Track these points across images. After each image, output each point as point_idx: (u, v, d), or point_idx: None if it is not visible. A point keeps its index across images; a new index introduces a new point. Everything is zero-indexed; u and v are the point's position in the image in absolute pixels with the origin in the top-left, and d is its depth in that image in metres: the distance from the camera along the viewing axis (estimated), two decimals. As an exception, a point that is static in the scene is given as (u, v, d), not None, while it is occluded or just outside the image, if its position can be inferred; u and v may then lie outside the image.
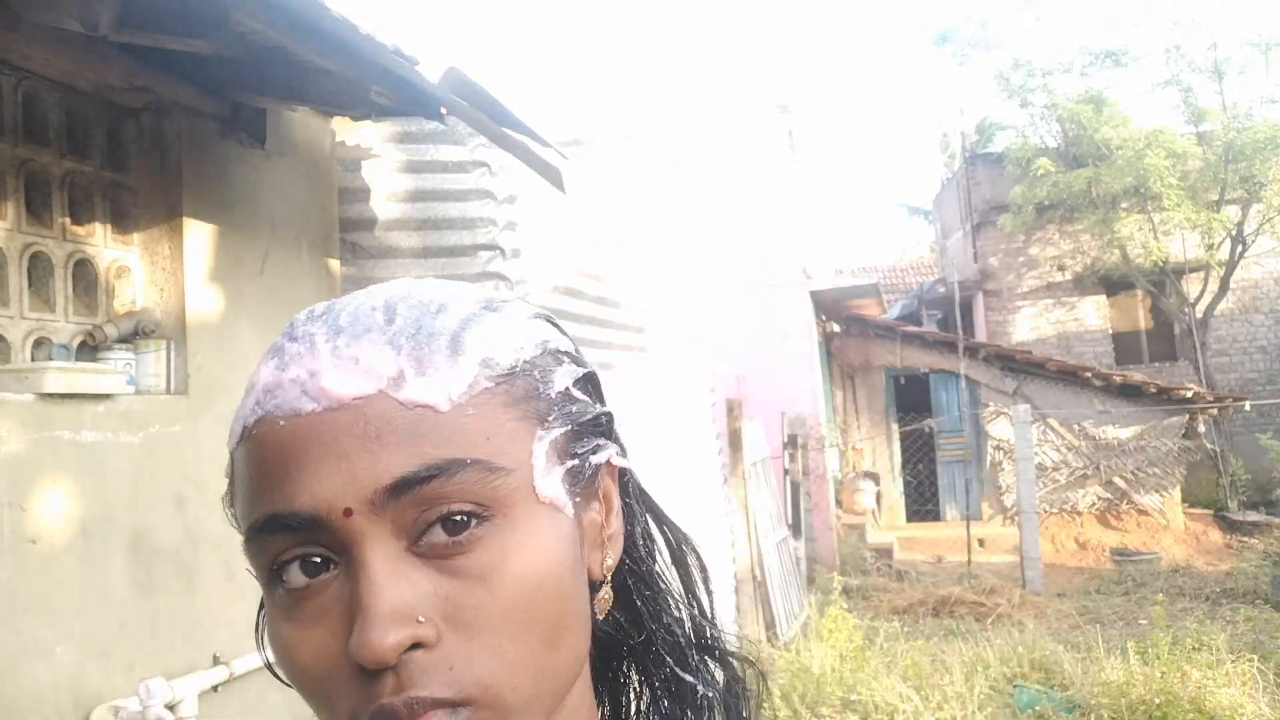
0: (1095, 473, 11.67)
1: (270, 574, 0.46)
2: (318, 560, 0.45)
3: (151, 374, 2.64)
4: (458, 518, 0.45)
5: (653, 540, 0.61)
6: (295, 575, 0.45)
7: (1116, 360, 13.92)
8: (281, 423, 0.45)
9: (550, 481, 0.48)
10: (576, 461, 0.51)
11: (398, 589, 0.43)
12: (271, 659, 0.48)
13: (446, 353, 0.47)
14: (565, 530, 0.49)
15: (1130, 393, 11.55)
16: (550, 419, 0.49)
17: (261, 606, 0.56)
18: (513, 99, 2.84)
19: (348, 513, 0.44)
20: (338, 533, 0.44)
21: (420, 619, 0.43)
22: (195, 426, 2.69)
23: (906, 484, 12.99)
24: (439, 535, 0.45)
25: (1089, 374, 11.65)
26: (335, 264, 3.41)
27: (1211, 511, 11.75)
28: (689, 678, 0.59)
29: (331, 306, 0.50)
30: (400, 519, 0.44)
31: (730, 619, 6.18)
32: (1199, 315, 12.72)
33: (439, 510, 0.45)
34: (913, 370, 12.75)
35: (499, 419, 0.47)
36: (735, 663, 0.62)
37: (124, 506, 2.43)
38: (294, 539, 0.45)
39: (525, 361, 0.50)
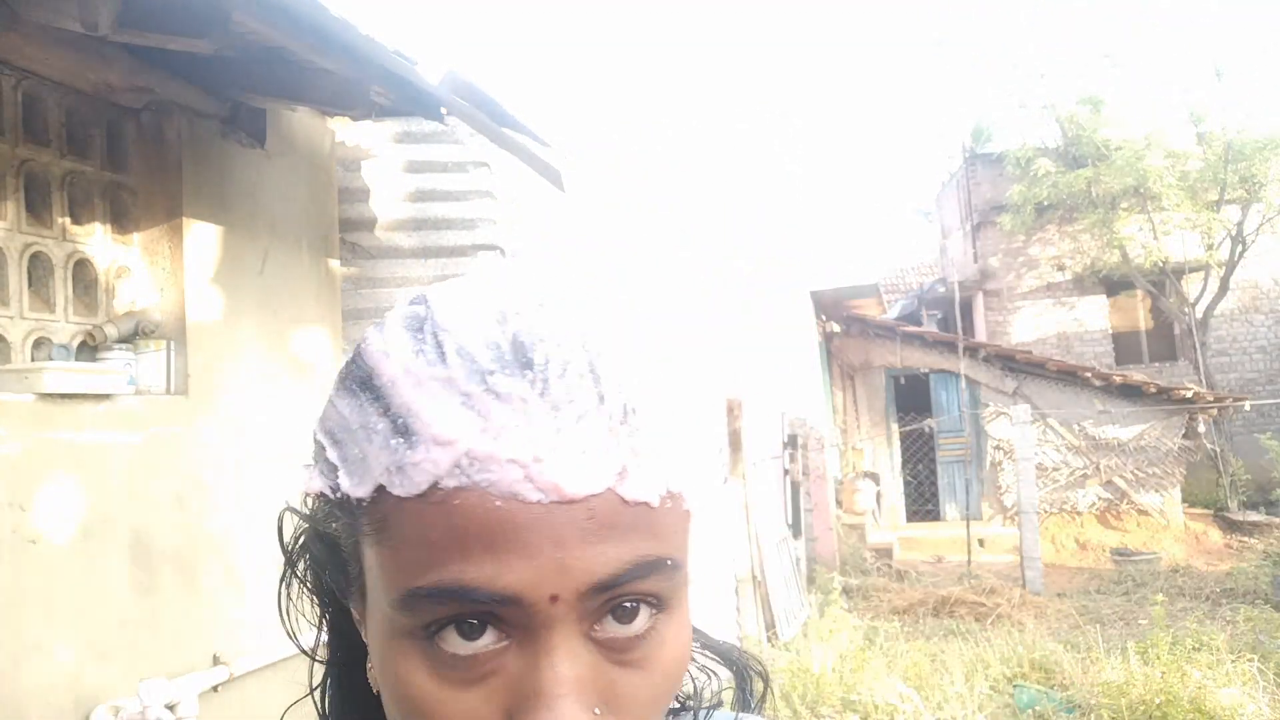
0: (1095, 473, 11.67)
1: (424, 629, 0.44)
2: (474, 622, 0.44)
3: (151, 374, 2.64)
4: (628, 604, 0.45)
5: None
6: (458, 642, 0.44)
7: (1116, 360, 13.92)
8: (498, 504, 0.42)
9: (689, 564, 0.49)
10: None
11: (579, 677, 0.44)
12: (392, 692, 0.46)
13: (654, 440, 0.46)
14: (687, 607, 0.50)
15: (1130, 393, 11.55)
16: (692, 498, 0.49)
17: (284, 579, 0.58)
18: (512, 99, 2.84)
19: (553, 599, 0.43)
20: (535, 616, 0.43)
21: (596, 710, 0.44)
22: (195, 426, 2.69)
23: (906, 484, 12.99)
24: (614, 626, 0.45)
25: (1089, 374, 11.65)
26: (335, 264, 3.41)
27: (1211, 511, 11.75)
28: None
29: (519, 344, 0.45)
30: (589, 605, 0.44)
31: (730, 619, 6.18)
32: (1199, 315, 12.72)
33: (620, 601, 0.45)
34: (913, 370, 12.75)
35: (679, 508, 0.47)
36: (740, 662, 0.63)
37: (124, 507, 2.43)
38: (469, 608, 0.43)
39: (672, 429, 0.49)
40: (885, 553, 10.74)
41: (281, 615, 0.57)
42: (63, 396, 2.26)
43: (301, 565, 0.58)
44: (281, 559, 0.60)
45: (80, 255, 2.61)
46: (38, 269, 2.50)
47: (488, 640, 0.44)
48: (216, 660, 2.65)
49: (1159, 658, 5.01)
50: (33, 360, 2.42)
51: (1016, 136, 14.41)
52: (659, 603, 0.46)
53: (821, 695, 4.99)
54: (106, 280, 2.68)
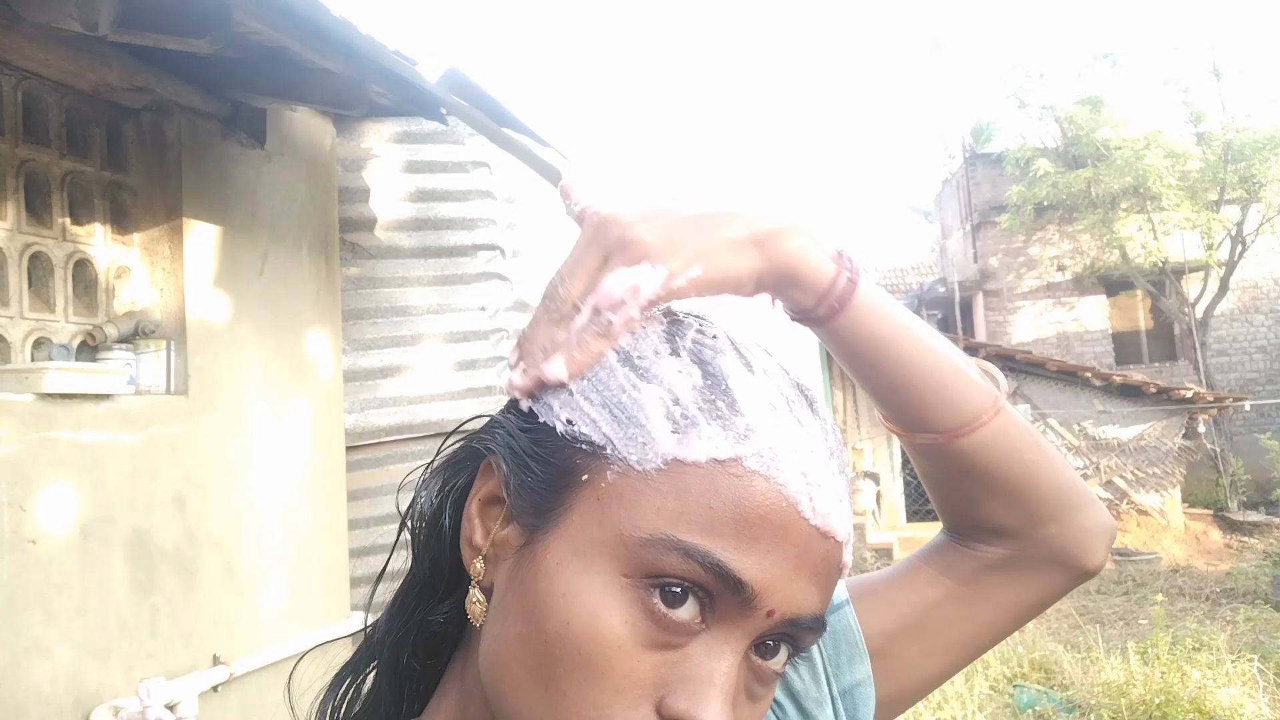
0: (1095, 473, 11.67)
1: (647, 579, 0.46)
2: (677, 591, 0.46)
3: (151, 374, 2.64)
4: (771, 641, 0.49)
5: None
6: (688, 609, 0.46)
7: (1116, 360, 13.92)
8: (784, 504, 0.46)
9: None
10: None
11: (736, 686, 0.47)
12: (553, 623, 0.46)
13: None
14: None
15: (1130, 393, 11.55)
16: None
17: (435, 478, 0.56)
18: (512, 99, 2.85)
19: (770, 613, 0.46)
20: (746, 617, 0.46)
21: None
22: (195, 426, 2.69)
23: (906, 484, 12.98)
24: (760, 657, 0.49)
25: (1089, 374, 11.65)
26: (335, 264, 3.41)
27: (1211, 511, 11.75)
28: None
29: (799, 384, 0.52)
30: (772, 630, 0.48)
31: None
32: (1199, 315, 12.73)
33: (784, 641, 0.49)
34: (913, 370, 12.73)
35: None
36: None
37: (124, 506, 2.43)
38: (704, 579, 0.45)
39: None
40: (885, 553, 10.74)
41: (412, 528, 0.57)
42: (63, 396, 2.26)
43: (444, 484, 0.57)
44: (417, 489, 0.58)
45: (80, 255, 2.61)
46: (38, 269, 2.50)
47: (688, 614, 0.46)
48: (216, 660, 2.65)
49: (1159, 658, 5.01)
50: (33, 360, 2.42)
51: (1016, 136, 14.41)
52: (797, 654, 0.50)
53: (821, 695, 4.98)
54: (106, 280, 2.68)
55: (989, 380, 0.62)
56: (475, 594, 0.51)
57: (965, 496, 0.65)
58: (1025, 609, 0.68)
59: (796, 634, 0.49)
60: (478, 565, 0.51)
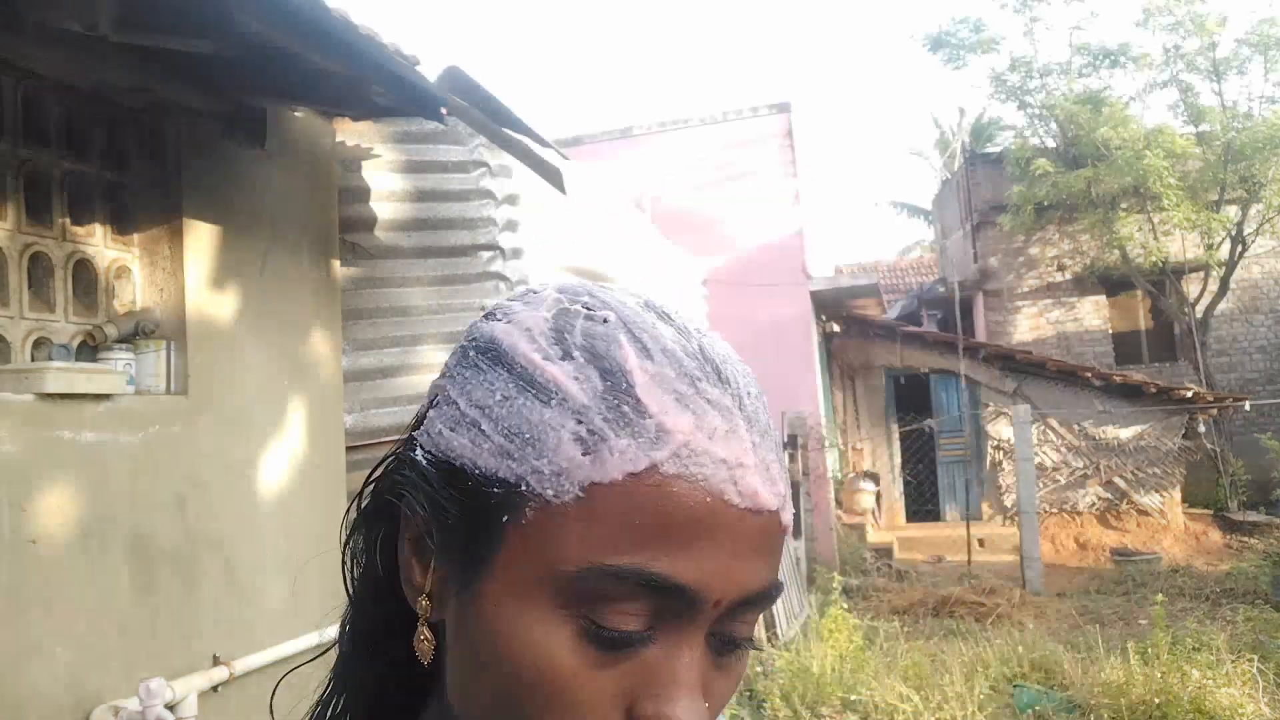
0: (1095, 473, 11.66)
1: (585, 605, 0.45)
2: (627, 607, 0.45)
3: (151, 374, 2.64)
4: (745, 627, 0.49)
5: None
6: (631, 624, 0.45)
7: (1116, 360, 13.91)
8: (707, 499, 0.45)
9: None
10: None
11: (702, 674, 0.47)
12: (508, 661, 0.46)
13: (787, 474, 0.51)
14: None
15: (1130, 393, 11.54)
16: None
17: (358, 530, 0.56)
18: (512, 99, 2.84)
19: (716, 604, 0.46)
20: (694, 614, 0.46)
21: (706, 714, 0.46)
22: (195, 426, 2.69)
23: (906, 484, 12.99)
24: (734, 627, 0.48)
25: (1089, 374, 11.64)
26: (335, 264, 3.40)
27: (1211, 511, 11.74)
28: None
29: (709, 358, 0.48)
30: (718, 617, 0.47)
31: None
32: (1199, 315, 12.72)
33: (744, 614, 0.48)
34: (913, 370, 12.75)
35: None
36: None
37: (124, 507, 2.43)
38: (643, 596, 0.45)
39: None
40: (885, 553, 10.74)
41: (347, 573, 0.58)
42: (63, 396, 2.26)
43: (369, 531, 0.57)
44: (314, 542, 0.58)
45: (80, 255, 2.61)
46: (38, 269, 2.50)
47: (634, 627, 0.45)
48: (216, 660, 2.65)
49: (1159, 658, 5.01)
50: (33, 360, 2.42)
51: (1016, 136, 14.40)
52: (760, 613, 0.50)
53: (821, 695, 4.99)
54: (106, 280, 2.68)
55: None
56: (423, 632, 0.51)
57: None
58: None
59: (754, 606, 0.49)
60: (423, 603, 0.50)
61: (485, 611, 0.47)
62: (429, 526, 0.50)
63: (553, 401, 0.46)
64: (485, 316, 0.53)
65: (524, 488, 0.46)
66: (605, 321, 0.49)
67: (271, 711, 0.61)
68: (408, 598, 0.52)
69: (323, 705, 0.59)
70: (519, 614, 0.45)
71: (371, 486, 0.56)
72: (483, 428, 0.47)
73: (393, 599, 0.54)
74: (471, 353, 0.51)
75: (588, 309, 0.50)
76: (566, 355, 0.47)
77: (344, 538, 0.57)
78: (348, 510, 0.57)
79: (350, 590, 0.58)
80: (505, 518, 0.46)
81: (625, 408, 0.45)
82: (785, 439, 9.04)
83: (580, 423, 0.45)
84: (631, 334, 0.48)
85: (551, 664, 0.45)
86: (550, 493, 0.45)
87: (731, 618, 0.48)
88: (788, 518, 0.49)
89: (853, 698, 4.90)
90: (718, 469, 0.45)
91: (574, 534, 0.45)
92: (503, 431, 0.47)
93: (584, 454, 0.45)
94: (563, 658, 0.45)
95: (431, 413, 0.52)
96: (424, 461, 0.50)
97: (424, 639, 0.50)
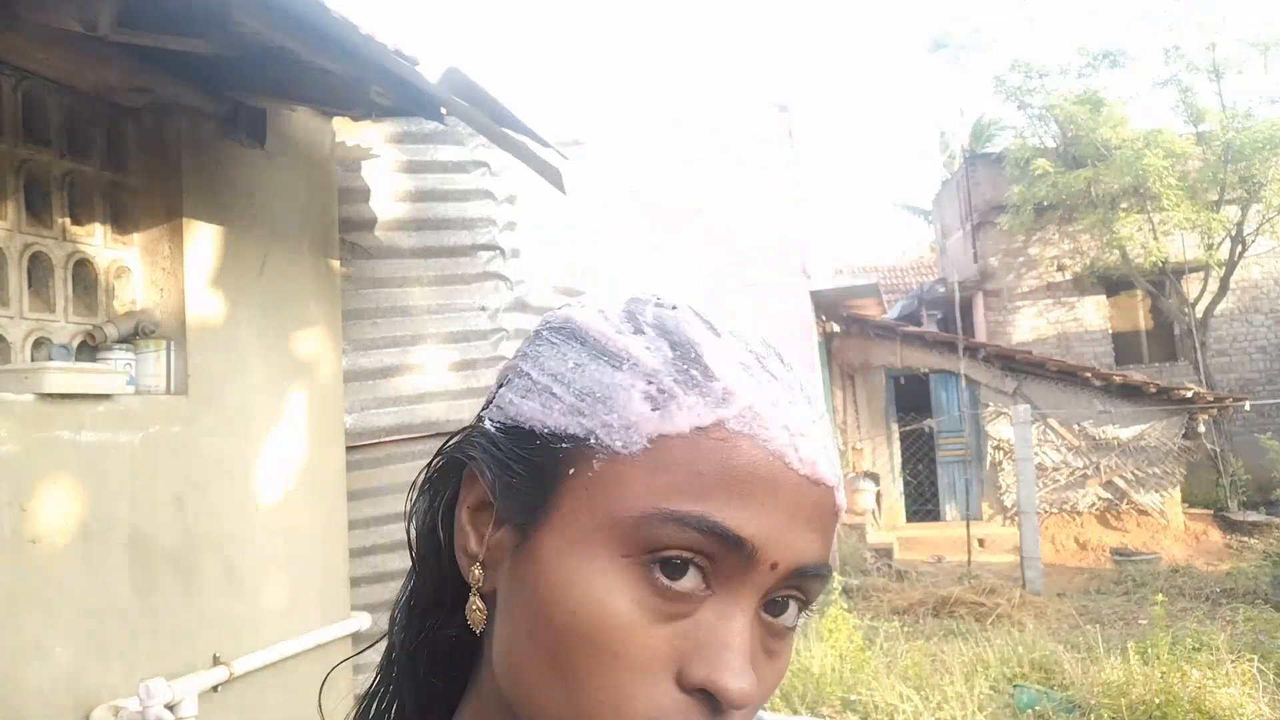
0: (1095, 473, 11.66)
1: (646, 555, 0.46)
2: (678, 562, 0.46)
3: (151, 374, 2.64)
4: (781, 598, 0.50)
5: None
6: (690, 579, 0.46)
7: (1116, 360, 13.91)
8: (771, 458, 0.47)
9: None
10: None
11: (752, 653, 0.47)
12: (562, 612, 0.46)
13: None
14: None
15: (1130, 393, 11.54)
16: None
17: (424, 493, 0.56)
18: (512, 99, 2.84)
19: (774, 565, 0.47)
20: (750, 574, 0.47)
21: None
22: (195, 426, 2.69)
23: (906, 484, 12.98)
24: (790, 614, 0.50)
25: (1089, 374, 11.64)
26: (335, 264, 3.41)
27: (1211, 511, 11.74)
28: None
29: (766, 342, 0.52)
30: (779, 584, 0.48)
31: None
32: (1199, 315, 12.72)
33: (794, 593, 0.50)
34: (913, 370, 12.74)
35: None
36: None
37: (124, 507, 2.43)
38: (704, 545, 0.46)
39: None
40: (885, 553, 10.73)
41: (409, 536, 0.58)
42: (63, 396, 2.26)
43: (434, 497, 0.57)
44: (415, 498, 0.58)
45: (80, 255, 2.61)
46: (38, 269, 2.50)
47: (692, 583, 0.46)
48: (216, 660, 2.65)
49: (1159, 658, 5.01)
50: (33, 360, 2.42)
51: (1016, 136, 14.40)
52: (806, 606, 0.51)
53: (821, 695, 4.99)
54: (106, 280, 2.68)
55: None
56: (475, 602, 0.51)
57: None
58: None
59: (803, 585, 0.49)
60: (476, 572, 0.51)
61: (545, 562, 0.47)
62: (493, 490, 0.51)
63: (624, 366, 0.49)
64: (559, 309, 0.56)
65: (592, 440, 0.48)
66: (674, 308, 0.52)
67: (320, 708, 0.61)
68: (461, 568, 0.53)
69: (370, 698, 0.59)
70: (580, 565, 0.46)
71: (441, 456, 0.57)
72: (554, 391, 0.50)
73: (449, 567, 0.55)
74: (545, 332, 0.54)
75: (658, 299, 0.53)
76: (638, 330, 0.50)
77: (410, 501, 0.58)
78: (418, 477, 0.58)
79: (413, 553, 0.58)
80: (571, 470, 0.48)
81: (694, 371, 0.48)
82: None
83: (650, 383, 0.48)
84: (699, 316, 0.51)
85: (608, 611, 0.45)
86: (619, 444, 0.47)
87: (783, 591, 0.49)
88: (843, 500, 0.51)
89: (853, 698, 4.90)
90: (780, 433, 0.48)
91: (639, 483, 0.46)
92: (574, 393, 0.49)
93: (653, 409, 0.47)
94: (621, 607, 0.45)
95: (502, 389, 0.54)
96: (493, 429, 0.52)
97: (476, 608, 0.51)
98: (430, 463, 0.57)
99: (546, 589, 0.47)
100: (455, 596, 0.55)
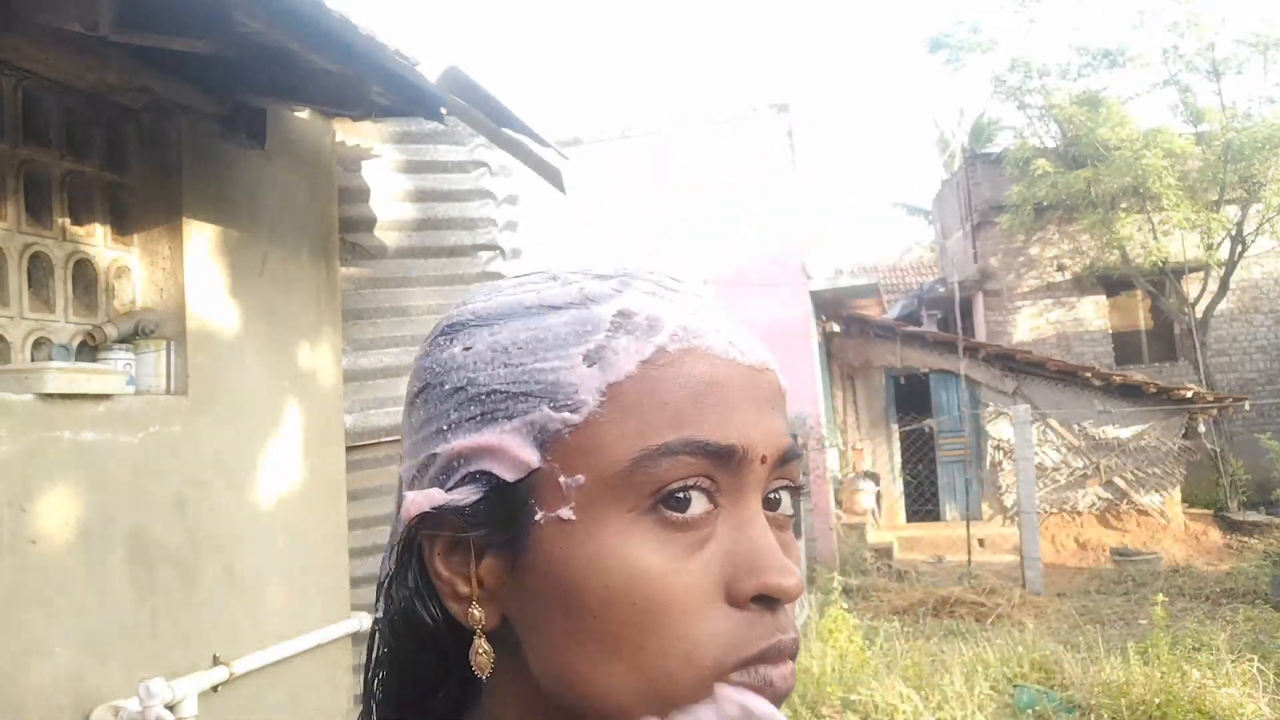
0: (1095, 473, 11.66)
1: (650, 499, 0.46)
2: (681, 496, 0.46)
3: (151, 374, 2.64)
4: (773, 495, 0.51)
5: None
6: (698, 503, 0.47)
7: (1116, 360, 13.91)
8: (719, 361, 0.48)
9: None
10: None
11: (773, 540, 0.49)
12: (589, 586, 0.45)
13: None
14: None
15: (1130, 393, 11.54)
16: None
17: (404, 545, 0.51)
18: (512, 99, 2.84)
19: (763, 460, 0.49)
20: (746, 477, 0.48)
21: None
22: (195, 426, 2.69)
23: (906, 484, 12.98)
24: (785, 504, 0.52)
25: (1089, 374, 11.64)
26: (335, 264, 3.40)
27: (1211, 511, 11.74)
28: None
29: (667, 275, 0.53)
30: (770, 476, 0.50)
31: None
32: (1199, 315, 12.72)
33: (784, 483, 0.52)
34: (913, 370, 12.74)
35: None
36: None
37: (124, 507, 2.43)
38: (699, 467, 0.46)
39: None
40: (885, 553, 10.73)
41: (388, 636, 0.54)
42: (63, 396, 2.26)
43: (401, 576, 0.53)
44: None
45: (80, 255, 2.61)
46: (38, 269, 2.50)
47: (701, 507, 0.47)
48: (216, 660, 2.65)
49: (1159, 658, 5.01)
50: (33, 360, 2.42)
51: (1016, 136, 14.41)
52: (797, 492, 0.53)
53: (821, 695, 4.99)
54: (106, 280, 2.68)
55: None
56: (480, 644, 0.49)
57: None
58: None
59: (787, 471, 0.51)
60: (475, 614, 0.49)
61: (558, 559, 0.46)
62: (463, 527, 0.49)
63: (544, 343, 0.49)
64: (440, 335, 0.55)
65: (548, 424, 0.47)
66: (554, 278, 0.53)
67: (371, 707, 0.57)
68: (457, 616, 0.50)
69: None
70: (593, 539, 0.46)
71: (393, 548, 0.54)
72: (484, 403, 0.49)
73: (435, 638, 0.52)
74: (441, 355, 0.53)
75: (540, 278, 0.54)
76: (546, 308, 0.51)
77: (385, 593, 0.54)
78: (384, 572, 0.54)
79: (387, 648, 0.54)
80: (538, 463, 0.47)
81: (614, 318, 0.49)
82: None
83: (578, 345, 0.48)
84: (585, 274, 0.53)
85: (638, 570, 0.45)
86: (574, 413, 0.47)
87: (775, 483, 0.51)
88: (784, 380, 0.53)
89: (853, 698, 4.90)
90: (716, 337, 0.49)
91: (613, 436, 0.46)
92: (512, 389, 0.48)
93: (590, 365, 0.47)
94: (649, 559, 0.45)
95: (425, 429, 0.52)
96: (444, 454, 0.50)
97: (482, 651, 0.49)
98: (391, 554, 0.54)
99: (570, 579, 0.46)
100: (442, 669, 0.53)
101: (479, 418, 0.48)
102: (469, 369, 0.50)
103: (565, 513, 0.47)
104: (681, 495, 0.46)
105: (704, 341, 0.48)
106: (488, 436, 0.48)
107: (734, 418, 0.47)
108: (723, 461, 0.47)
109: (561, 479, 0.47)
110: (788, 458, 0.51)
